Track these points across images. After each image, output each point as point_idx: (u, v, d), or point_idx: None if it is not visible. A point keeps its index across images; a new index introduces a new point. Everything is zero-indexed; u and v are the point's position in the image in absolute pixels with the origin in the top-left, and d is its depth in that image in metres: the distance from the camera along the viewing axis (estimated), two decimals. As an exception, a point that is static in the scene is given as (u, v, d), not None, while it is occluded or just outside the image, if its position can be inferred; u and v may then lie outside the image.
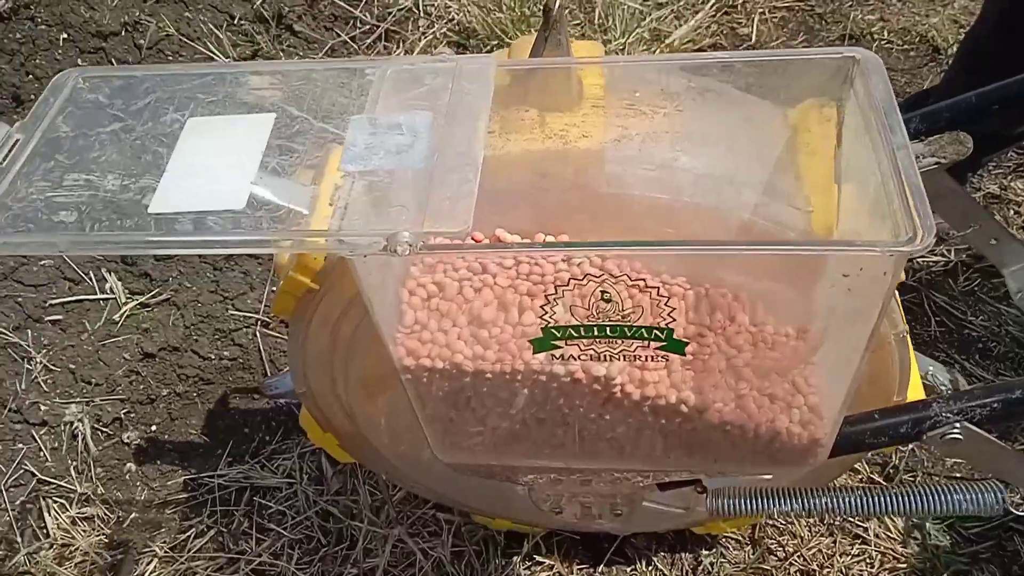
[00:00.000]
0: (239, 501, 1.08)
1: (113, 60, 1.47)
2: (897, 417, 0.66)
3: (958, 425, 0.65)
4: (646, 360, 0.55)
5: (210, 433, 1.13)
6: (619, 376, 0.57)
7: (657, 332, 0.53)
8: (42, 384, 1.14)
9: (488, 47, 1.51)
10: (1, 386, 1.14)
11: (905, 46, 1.62)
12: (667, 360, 0.55)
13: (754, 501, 0.72)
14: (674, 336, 0.53)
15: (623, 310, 0.51)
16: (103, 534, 1.07)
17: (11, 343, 1.17)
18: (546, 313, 0.53)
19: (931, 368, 0.85)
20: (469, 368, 0.58)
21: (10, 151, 0.55)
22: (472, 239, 0.62)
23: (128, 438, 1.12)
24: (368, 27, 1.55)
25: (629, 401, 0.58)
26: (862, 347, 0.52)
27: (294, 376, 0.84)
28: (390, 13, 1.56)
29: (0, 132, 0.55)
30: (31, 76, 1.47)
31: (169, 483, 1.10)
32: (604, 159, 0.64)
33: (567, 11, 1.59)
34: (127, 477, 1.10)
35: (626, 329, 0.53)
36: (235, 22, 1.53)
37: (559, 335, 0.54)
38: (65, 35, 1.48)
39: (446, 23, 1.57)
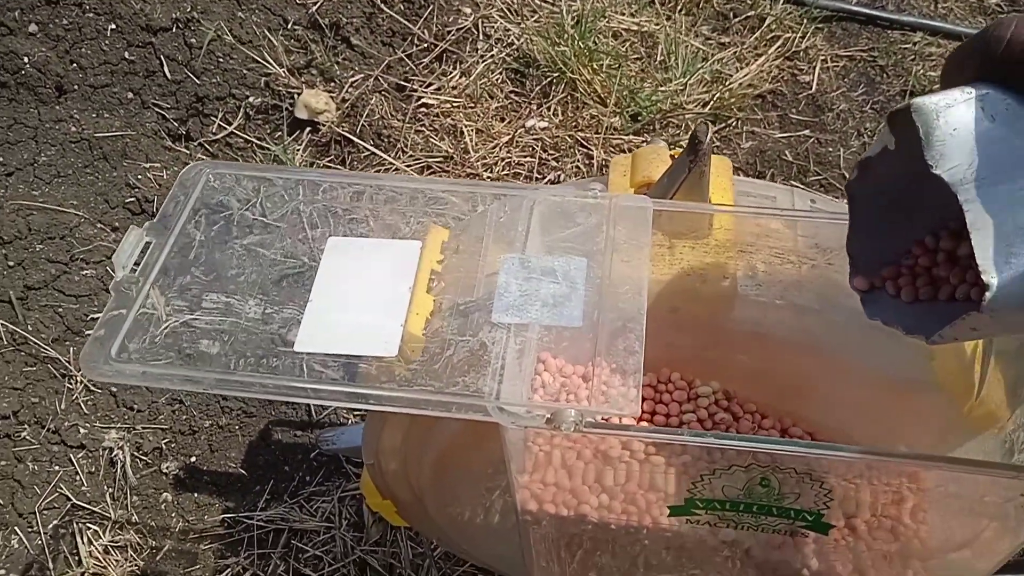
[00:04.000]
0: (276, 543, 1.06)
1: (162, 57, 1.42)
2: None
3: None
4: (784, 533, 0.54)
5: (249, 468, 1.11)
6: (749, 541, 0.55)
7: (806, 514, 0.51)
8: (82, 406, 1.11)
9: (548, 79, 1.47)
10: (40, 405, 1.11)
11: (962, 109, 1.60)
12: (806, 535, 0.54)
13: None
14: (822, 520, 0.52)
15: (778, 495, 0.50)
16: (136, 564, 1.05)
17: (50, 357, 1.14)
18: (695, 488, 0.51)
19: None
20: (594, 518, 0.56)
21: (142, 257, 0.53)
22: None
23: (167, 468, 1.09)
24: (426, 45, 1.51)
25: (752, 562, 0.57)
26: (1004, 553, 0.51)
27: (365, 449, 0.82)
28: (449, 32, 1.52)
29: (132, 236, 0.52)
30: (75, 65, 1.42)
31: (206, 517, 1.08)
32: (736, 299, 0.62)
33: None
34: (163, 507, 1.08)
35: (775, 509, 0.51)
36: (288, 27, 1.49)
37: (702, 506, 0.52)
38: (113, 26, 1.43)
39: (505, 47, 1.53)
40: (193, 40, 1.44)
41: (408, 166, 1.42)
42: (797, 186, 1.43)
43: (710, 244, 0.61)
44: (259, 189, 0.56)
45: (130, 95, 1.44)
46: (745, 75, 1.56)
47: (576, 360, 0.59)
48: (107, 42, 1.43)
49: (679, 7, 1.64)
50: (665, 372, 0.63)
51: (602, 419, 0.47)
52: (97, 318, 1.17)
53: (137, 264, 0.52)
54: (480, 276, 0.57)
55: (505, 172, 1.42)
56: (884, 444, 0.66)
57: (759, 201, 0.69)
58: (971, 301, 0.44)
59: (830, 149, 1.49)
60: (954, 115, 0.41)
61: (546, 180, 1.40)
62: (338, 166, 1.43)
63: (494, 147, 1.44)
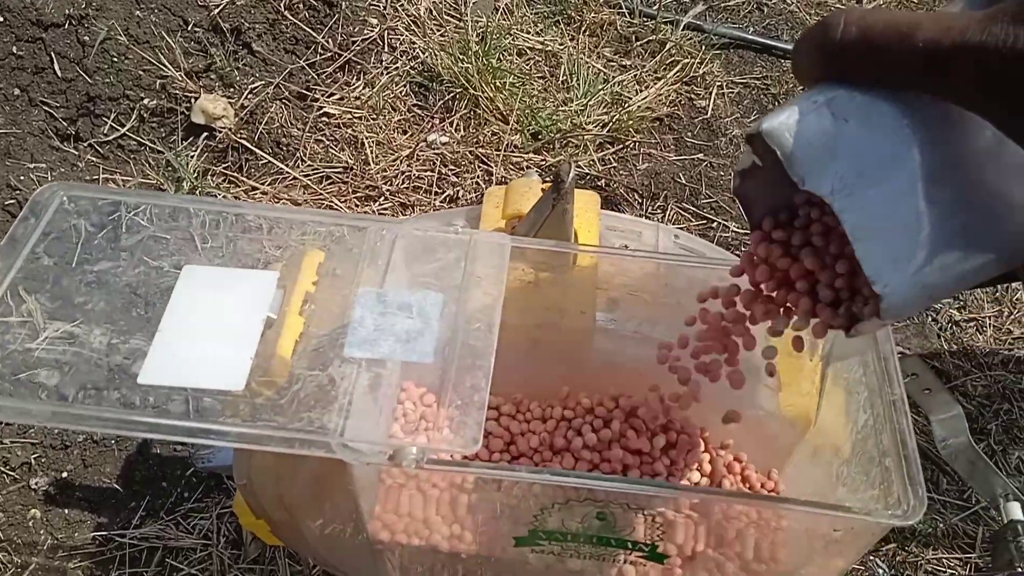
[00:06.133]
0: (150, 561, 1.04)
1: (53, 54, 1.38)
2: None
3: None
4: (623, 563, 0.56)
5: (125, 484, 1.08)
6: (596, 571, 0.57)
7: (642, 545, 0.53)
8: (-54, 416, 1.07)
9: (452, 94, 1.48)
10: (-100, 414, 1.06)
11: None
12: (644, 565, 0.56)
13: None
14: (657, 551, 0.54)
15: (615, 528, 0.52)
16: (-1, 582, 1.01)
17: (-86, 365, 1.09)
18: (537, 520, 0.52)
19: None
20: (445, 548, 0.57)
21: (-17, 282, 0.51)
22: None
23: (36, 484, 1.06)
24: (330, 54, 1.50)
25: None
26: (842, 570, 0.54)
27: (237, 468, 0.81)
28: (354, 42, 1.52)
29: (-27, 260, 0.51)
30: (-43, 58, 1.37)
31: (76, 534, 1.05)
32: (594, 332, 0.64)
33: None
34: (31, 524, 1.05)
35: (613, 540, 0.53)
36: (188, 29, 1.46)
37: (546, 537, 0.54)
38: (1, 19, 1.38)
39: (410, 60, 1.53)
40: (86, 38, 1.40)
41: (307, 176, 1.41)
42: (687, 209, 1.47)
43: (571, 279, 0.63)
44: (116, 214, 0.56)
45: (16, 92, 1.39)
46: (644, 98, 1.59)
47: (437, 389, 0.60)
48: (-8, 36, 1.38)
49: (584, 28, 1.67)
50: (525, 402, 0.64)
51: (449, 455, 0.48)
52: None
53: (-20, 287, 0.51)
54: (351, 301, 0.57)
55: (405, 185, 1.42)
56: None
57: (625, 236, 0.71)
58: (871, 305, 0.43)
59: (722, 173, 1.54)
60: (806, 128, 0.40)
61: (445, 195, 1.41)
62: (235, 173, 1.41)
63: (395, 160, 1.44)
